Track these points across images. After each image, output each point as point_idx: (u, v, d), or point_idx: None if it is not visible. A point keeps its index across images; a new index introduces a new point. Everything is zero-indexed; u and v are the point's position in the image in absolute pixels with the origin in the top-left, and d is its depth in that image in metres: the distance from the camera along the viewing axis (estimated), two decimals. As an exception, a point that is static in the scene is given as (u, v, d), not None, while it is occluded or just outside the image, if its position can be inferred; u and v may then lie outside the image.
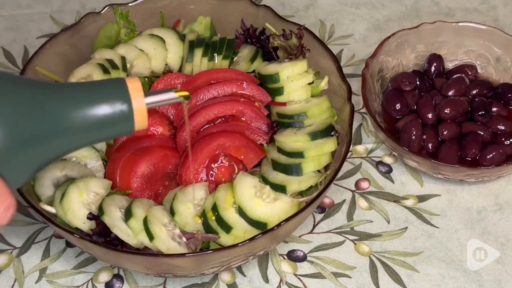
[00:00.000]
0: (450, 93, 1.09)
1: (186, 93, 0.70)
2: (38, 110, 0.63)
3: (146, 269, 0.87)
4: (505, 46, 1.13)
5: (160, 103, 0.68)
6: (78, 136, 0.65)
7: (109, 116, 0.65)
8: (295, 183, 0.92)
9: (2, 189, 0.63)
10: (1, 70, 0.67)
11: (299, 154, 0.93)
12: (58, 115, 0.64)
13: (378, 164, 1.08)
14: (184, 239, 0.86)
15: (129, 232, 0.86)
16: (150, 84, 1.05)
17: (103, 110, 0.64)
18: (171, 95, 0.68)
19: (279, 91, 1.00)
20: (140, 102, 0.65)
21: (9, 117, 0.62)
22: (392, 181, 1.06)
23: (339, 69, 1.00)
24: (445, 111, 1.06)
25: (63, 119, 0.64)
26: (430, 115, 1.07)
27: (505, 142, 1.04)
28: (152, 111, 1.01)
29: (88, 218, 0.87)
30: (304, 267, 0.96)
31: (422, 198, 1.04)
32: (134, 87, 0.65)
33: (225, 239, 0.87)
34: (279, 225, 0.84)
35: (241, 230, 0.87)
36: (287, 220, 0.84)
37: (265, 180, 0.93)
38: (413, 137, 1.04)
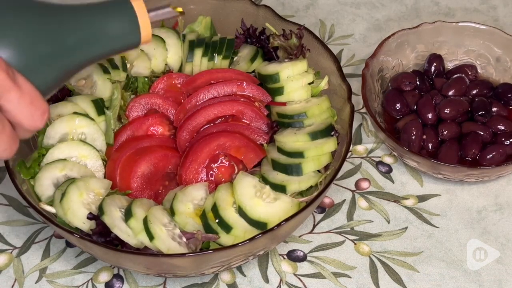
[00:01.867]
0: (450, 93, 1.09)
1: (181, 10, 0.79)
2: (55, 28, 0.71)
3: (146, 269, 0.87)
4: (505, 46, 1.13)
5: (160, 17, 0.78)
6: (93, 48, 0.73)
7: (120, 30, 0.74)
8: (295, 183, 0.92)
9: (37, 95, 0.68)
10: None
11: (299, 154, 0.93)
12: (74, 32, 0.72)
13: (378, 164, 1.08)
14: (184, 239, 0.86)
15: (129, 232, 0.86)
16: (150, 84, 1.05)
17: (115, 25, 0.73)
18: (169, 10, 0.78)
19: (279, 91, 1.00)
20: (145, 18, 0.74)
21: (28, 33, 0.69)
22: (392, 181, 1.06)
23: (339, 69, 1.00)
24: (445, 111, 1.06)
25: (79, 35, 0.72)
26: (430, 115, 1.07)
27: (505, 142, 1.04)
28: (152, 111, 1.01)
29: (88, 218, 0.87)
30: (304, 267, 0.96)
31: (422, 198, 1.04)
32: (138, 3, 0.74)
33: (225, 239, 0.87)
34: (279, 225, 0.84)
35: (241, 230, 0.87)
36: (287, 220, 0.84)
37: (265, 180, 0.93)
38: (413, 137, 1.04)
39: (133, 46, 0.76)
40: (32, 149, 0.97)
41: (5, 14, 0.69)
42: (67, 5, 0.73)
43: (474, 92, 1.10)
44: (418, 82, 1.12)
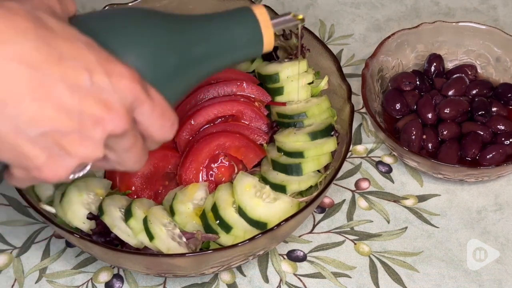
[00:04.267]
0: (450, 93, 1.09)
1: (301, 17, 0.80)
2: (184, 40, 0.71)
3: (146, 269, 0.87)
4: (505, 46, 1.13)
5: (282, 24, 0.78)
6: (220, 59, 0.74)
7: (244, 41, 0.74)
8: (295, 183, 0.92)
9: (167, 107, 0.68)
10: (139, 7, 0.75)
11: (299, 154, 0.93)
12: (203, 44, 0.72)
13: (378, 164, 1.08)
14: (184, 239, 0.86)
15: (129, 232, 0.86)
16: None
17: (239, 35, 0.74)
18: (291, 17, 0.79)
19: (279, 91, 1.00)
20: (267, 26, 0.75)
21: (159, 47, 0.70)
22: (392, 181, 1.06)
23: (339, 69, 1.00)
24: (445, 111, 1.06)
25: (207, 47, 0.73)
26: (430, 115, 1.07)
27: (505, 142, 1.04)
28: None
29: (88, 218, 0.87)
30: (304, 267, 0.96)
31: (422, 198, 1.04)
32: (260, 12, 0.75)
33: (225, 239, 0.87)
34: (279, 225, 0.84)
35: (241, 230, 0.87)
36: (287, 220, 0.84)
37: (265, 180, 0.93)
38: (413, 137, 1.04)
39: (255, 55, 0.77)
40: (32, 149, 0.96)
41: (136, 25, 0.69)
42: (193, 16, 0.74)
43: (474, 92, 1.10)
44: (418, 82, 1.12)
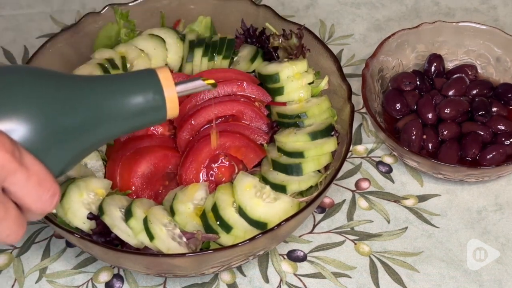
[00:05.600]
0: (450, 93, 1.09)
1: (212, 81, 0.74)
2: (72, 103, 0.66)
3: (146, 269, 0.87)
4: (505, 46, 1.13)
5: (189, 91, 0.72)
6: (113, 126, 0.68)
7: (143, 106, 0.68)
8: (295, 183, 0.92)
9: (47, 176, 0.64)
10: (27, 66, 0.71)
11: (299, 154, 0.93)
12: (93, 108, 0.66)
13: (378, 164, 1.08)
14: (184, 239, 0.86)
15: (129, 232, 0.86)
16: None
17: (137, 100, 0.67)
18: (199, 83, 0.73)
19: (279, 91, 1.00)
20: (171, 91, 0.69)
21: (43, 109, 0.64)
22: (392, 181, 1.06)
23: (339, 69, 1.00)
24: (445, 111, 1.06)
25: (98, 111, 0.67)
26: (430, 115, 1.07)
27: (505, 142, 1.04)
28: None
29: (88, 218, 0.87)
30: (304, 267, 0.96)
31: (422, 198, 1.04)
32: (165, 76, 0.68)
33: (225, 239, 0.87)
34: (279, 225, 0.84)
35: (241, 230, 0.87)
36: (287, 220, 0.84)
37: (265, 180, 0.93)
38: (413, 137, 1.04)
39: (157, 123, 0.71)
40: (32, 149, 0.97)
41: (15, 86, 0.64)
42: (85, 77, 0.68)
43: (474, 92, 1.10)
44: (418, 82, 1.12)
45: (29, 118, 0.63)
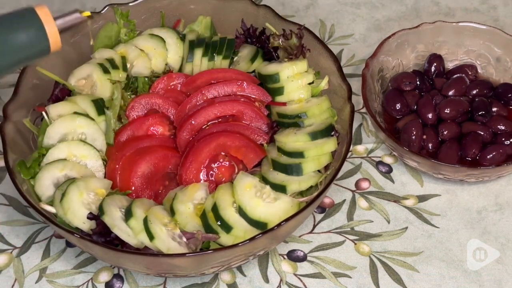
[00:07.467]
0: (450, 93, 1.09)
1: (88, 13, 0.81)
2: None
3: (146, 269, 0.87)
4: (505, 46, 1.13)
5: (68, 24, 0.79)
6: (2, 59, 0.75)
7: (26, 41, 0.75)
8: (295, 183, 0.92)
9: None
10: None
11: (299, 154, 0.93)
12: None
13: (378, 164, 1.08)
14: (184, 239, 0.86)
15: (129, 232, 0.86)
16: (150, 84, 1.05)
17: (21, 36, 0.74)
18: (76, 15, 0.80)
19: (279, 91, 1.00)
20: (52, 27, 0.75)
21: None
22: (392, 181, 1.06)
23: (339, 69, 1.00)
24: (445, 111, 1.06)
25: None
26: (430, 115, 1.07)
27: (505, 142, 1.04)
28: (152, 111, 1.01)
29: (88, 218, 0.87)
30: (304, 267, 0.96)
31: (422, 198, 1.04)
32: (44, 13, 0.75)
33: (225, 239, 0.87)
34: (279, 225, 0.84)
35: (241, 230, 0.87)
36: (287, 220, 0.84)
37: (265, 180, 0.93)
38: (413, 137, 1.04)
39: (42, 54, 0.77)
40: (32, 149, 0.97)
41: None
42: None
43: (474, 92, 1.10)
44: (418, 82, 1.12)
45: None
